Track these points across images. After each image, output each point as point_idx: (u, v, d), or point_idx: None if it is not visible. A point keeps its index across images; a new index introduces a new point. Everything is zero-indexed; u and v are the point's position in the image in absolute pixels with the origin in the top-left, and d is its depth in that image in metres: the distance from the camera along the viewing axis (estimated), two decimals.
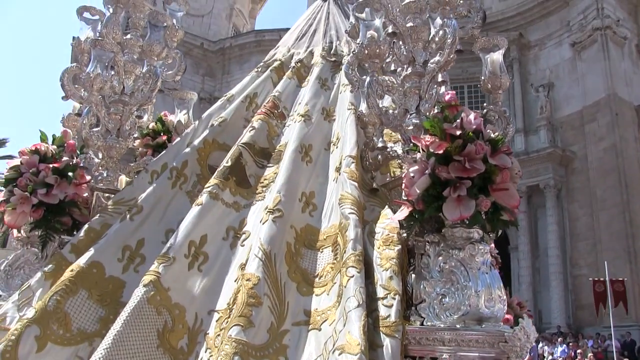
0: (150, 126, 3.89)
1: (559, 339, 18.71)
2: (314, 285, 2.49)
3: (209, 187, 2.83)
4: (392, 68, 3.20)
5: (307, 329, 2.30)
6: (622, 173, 22.26)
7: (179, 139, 3.50)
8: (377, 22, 2.77)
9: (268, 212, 2.58)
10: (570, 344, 18.31)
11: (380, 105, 3.16)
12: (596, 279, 18.16)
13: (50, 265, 2.78)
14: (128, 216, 2.81)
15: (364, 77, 2.88)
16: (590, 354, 17.09)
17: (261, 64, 4.17)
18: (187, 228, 2.60)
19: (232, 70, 33.35)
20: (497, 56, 3.04)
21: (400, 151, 3.04)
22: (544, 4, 27.92)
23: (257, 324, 2.14)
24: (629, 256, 20.88)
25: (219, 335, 2.27)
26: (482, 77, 3.03)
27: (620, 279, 18.08)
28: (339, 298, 2.26)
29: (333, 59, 3.97)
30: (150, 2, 4.18)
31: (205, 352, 2.28)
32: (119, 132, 3.44)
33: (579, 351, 17.23)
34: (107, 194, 3.32)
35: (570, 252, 23.17)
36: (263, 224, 2.54)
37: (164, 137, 3.84)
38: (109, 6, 3.56)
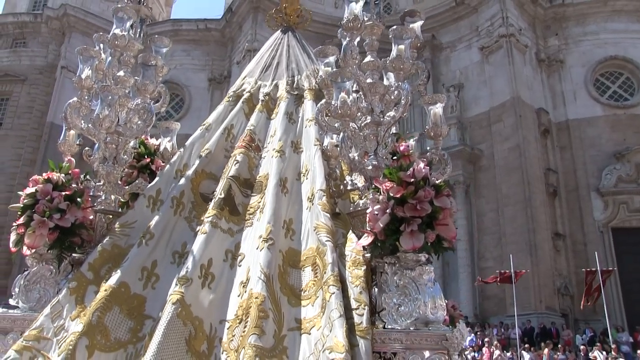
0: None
1: (467, 329, 20.22)
2: (301, 298, 3.17)
3: (209, 217, 3.42)
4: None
5: (300, 333, 2.97)
6: (524, 171, 24.21)
7: (168, 165, 4.06)
8: (347, 84, 3.46)
9: (263, 240, 3.22)
10: (478, 333, 19.87)
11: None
12: (502, 271, 19.69)
13: (73, 282, 3.31)
14: (144, 241, 3.37)
15: (339, 127, 3.57)
16: (495, 342, 18.65)
17: (231, 93, 4.74)
18: (198, 253, 3.19)
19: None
20: (438, 109, 3.80)
21: (359, 184, 3.77)
22: (455, 9, 29.63)
23: (267, 332, 2.80)
24: (530, 249, 22.78)
25: (232, 340, 2.92)
26: (426, 127, 3.80)
27: (524, 270, 19.74)
28: (322, 309, 2.95)
29: (296, 92, 4.59)
30: (139, 40, 4.59)
31: (222, 353, 2.91)
32: (115, 160, 3.94)
33: (486, 339, 18.76)
34: (108, 215, 3.83)
35: (478, 246, 24.87)
36: (260, 250, 3.18)
37: (148, 160, 4.35)
38: (108, 49, 4.06)
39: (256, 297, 2.90)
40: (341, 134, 3.52)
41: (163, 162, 4.33)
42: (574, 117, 27.23)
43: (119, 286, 3.12)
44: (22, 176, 31.21)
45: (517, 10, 28.33)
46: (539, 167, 25.46)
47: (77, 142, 4.06)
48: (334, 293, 2.90)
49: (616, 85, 28.31)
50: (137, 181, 4.11)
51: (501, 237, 23.92)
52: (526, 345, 18.68)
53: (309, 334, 2.94)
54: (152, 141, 4.51)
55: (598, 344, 18.36)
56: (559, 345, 19.00)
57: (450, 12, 29.67)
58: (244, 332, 2.84)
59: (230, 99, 4.65)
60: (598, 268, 18.56)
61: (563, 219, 25.78)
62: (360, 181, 3.74)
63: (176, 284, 3.02)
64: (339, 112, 3.40)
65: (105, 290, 3.08)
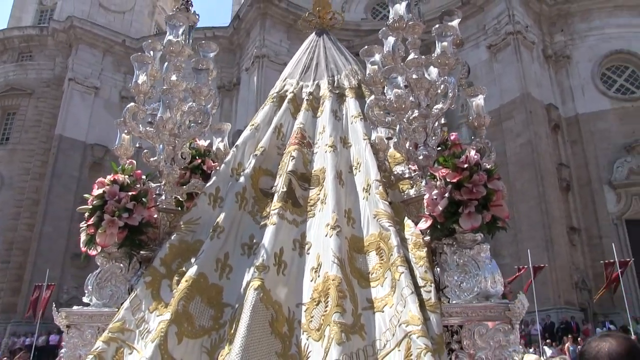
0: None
1: None
2: (369, 280, 3.36)
3: (275, 209, 3.62)
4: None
5: (373, 312, 3.16)
6: (537, 167, 24.32)
7: (223, 165, 4.25)
8: (399, 79, 3.66)
9: (331, 228, 3.42)
10: None
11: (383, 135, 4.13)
12: (520, 266, 19.75)
13: (148, 277, 3.51)
14: (216, 235, 3.58)
15: (389, 121, 3.77)
16: (519, 339, 18.64)
17: (274, 94, 4.93)
18: (270, 243, 3.39)
19: None
20: (480, 101, 4.01)
21: (407, 174, 3.97)
22: (461, 9, 29.58)
23: (347, 310, 2.99)
24: (546, 244, 22.87)
25: (311, 321, 3.12)
26: (470, 117, 4.00)
27: (542, 265, 19.82)
28: (392, 288, 3.14)
29: (337, 91, 4.80)
30: (188, 46, 4.80)
31: (303, 334, 3.11)
32: (172, 161, 4.14)
33: None
34: (169, 213, 4.03)
35: (493, 243, 24.79)
36: (330, 237, 3.37)
37: (199, 160, 4.54)
38: (157, 54, 4.27)
39: (333, 279, 3.10)
40: (397, 126, 3.71)
41: (214, 162, 4.52)
42: (583, 112, 27.39)
43: (198, 277, 3.32)
44: (31, 190, 31.16)
45: (522, 8, 28.53)
46: (551, 162, 25.57)
47: (137, 145, 4.26)
48: (403, 272, 3.09)
49: (622, 78, 28.51)
50: (192, 181, 4.30)
51: (517, 233, 23.89)
52: (547, 341, 18.73)
53: (382, 312, 3.12)
54: (201, 142, 4.71)
55: None
56: (579, 339, 19.00)
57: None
58: (325, 311, 3.04)
59: (274, 100, 4.85)
60: (616, 260, 18.62)
61: (577, 213, 25.87)
62: (409, 171, 3.93)
63: (254, 271, 3.21)
64: (394, 105, 3.60)
65: (187, 280, 3.28)
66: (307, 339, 3.06)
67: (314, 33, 5.47)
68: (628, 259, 20.57)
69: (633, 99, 27.48)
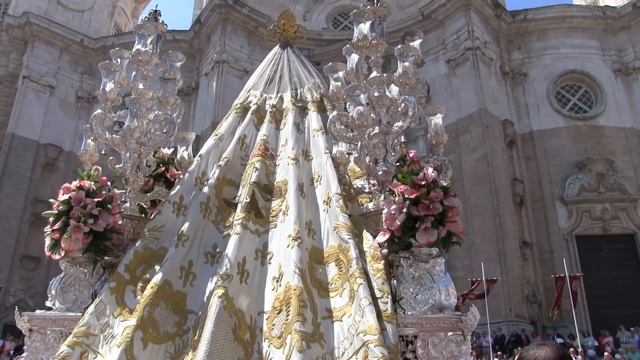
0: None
1: None
2: (329, 290, 3.49)
3: (239, 219, 3.72)
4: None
5: (332, 321, 3.29)
6: (492, 181, 24.79)
7: (187, 174, 4.32)
8: (362, 96, 3.81)
9: (293, 239, 3.54)
10: None
11: (344, 149, 4.27)
12: (474, 279, 20.16)
13: (112, 283, 3.56)
14: (180, 243, 3.66)
15: (350, 136, 3.91)
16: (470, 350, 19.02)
17: (238, 105, 5.04)
18: (234, 252, 3.49)
19: None
20: (438, 120, 4.19)
21: (366, 188, 4.11)
22: (422, 22, 30.18)
23: (307, 319, 3.11)
24: (499, 258, 23.32)
25: (272, 329, 3.23)
26: (428, 135, 4.18)
27: (495, 278, 20.27)
28: (351, 299, 3.28)
29: (300, 104, 4.94)
30: (156, 55, 4.85)
31: (264, 341, 3.22)
32: (138, 168, 4.19)
33: None
34: (134, 220, 4.08)
35: (447, 256, 25.13)
36: (292, 248, 3.49)
37: (162, 168, 4.60)
38: (124, 62, 4.33)
39: (294, 289, 3.23)
40: (359, 142, 3.86)
41: (178, 171, 4.58)
42: (537, 129, 28.10)
43: (163, 284, 3.39)
44: None
45: (482, 25, 29.20)
46: (506, 177, 26.06)
47: (103, 152, 4.29)
48: (361, 284, 3.23)
49: (576, 97, 29.44)
50: (157, 189, 4.35)
51: (470, 246, 24.25)
52: (498, 353, 19.15)
53: (341, 321, 3.26)
54: (165, 151, 4.76)
55: (572, 349, 18.86)
56: None
57: (418, 26, 30.15)
58: (286, 320, 3.15)
59: (238, 111, 4.96)
60: (566, 274, 19.18)
61: (530, 227, 26.39)
62: (369, 185, 4.07)
63: (218, 280, 3.30)
64: (357, 122, 3.75)
65: (152, 287, 3.35)
66: (269, 347, 3.17)
67: (278, 45, 5.59)
68: (578, 274, 21.25)
69: (585, 118, 28.40)
